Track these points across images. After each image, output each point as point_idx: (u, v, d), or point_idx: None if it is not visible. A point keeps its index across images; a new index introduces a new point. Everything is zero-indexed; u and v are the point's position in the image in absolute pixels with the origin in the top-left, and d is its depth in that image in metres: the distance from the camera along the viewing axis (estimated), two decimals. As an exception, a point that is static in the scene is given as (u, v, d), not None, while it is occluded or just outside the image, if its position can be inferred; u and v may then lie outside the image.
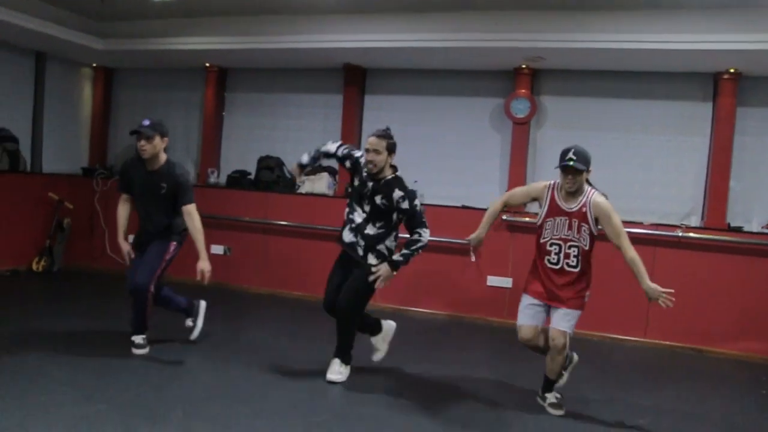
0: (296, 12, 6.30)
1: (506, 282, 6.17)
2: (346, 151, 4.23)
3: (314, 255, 6.62)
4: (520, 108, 6.29)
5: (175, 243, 4.45)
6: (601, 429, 3.67)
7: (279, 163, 7.04)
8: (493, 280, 6.21)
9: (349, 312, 4.08)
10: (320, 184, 6.89)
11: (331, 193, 6.92)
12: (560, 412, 3.83)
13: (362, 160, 4.09)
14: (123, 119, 8.20)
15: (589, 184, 3.85)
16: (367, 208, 4.11)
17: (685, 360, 5.49)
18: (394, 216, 4.07)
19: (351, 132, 7.02)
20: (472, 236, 4.28)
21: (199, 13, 6.58)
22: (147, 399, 3.58)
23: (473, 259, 6.20)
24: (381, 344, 4.39)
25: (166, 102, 7.91)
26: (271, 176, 6.94)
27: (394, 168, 4.13)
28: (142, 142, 4.22)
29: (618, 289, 5.53)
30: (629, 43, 5.43)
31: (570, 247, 3.77)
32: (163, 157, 4.35)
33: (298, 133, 7.35)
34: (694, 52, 5.36)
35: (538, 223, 3.95)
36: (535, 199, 4.04)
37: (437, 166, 6.81)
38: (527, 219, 6.07)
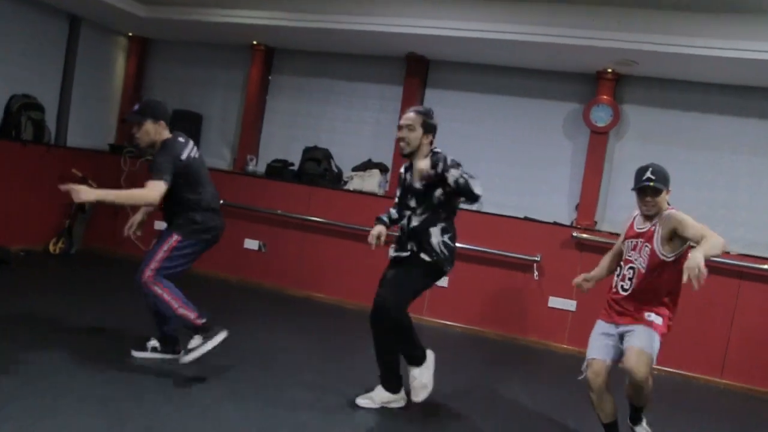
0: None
1: (570, 305, 5.63)
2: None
3: (357, 258, 6.08)
4: (601, 116, 5.72)
5: (178, 237, 3.67)
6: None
7: (327, 156, 6.46)
8: (555, 302, 5.68)
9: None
10: (370, 181, 6.34)
11: (381, 192, 6.36)
12: None
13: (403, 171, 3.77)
14: (157, 94, 7.53)
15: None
16: (412, 201, 3.57)
17: (763, 406, 4.99)
18: (437, 194, 3.46)
19: (407, 127, 6.43)
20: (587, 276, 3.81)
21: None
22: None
23: (536, 276, 5.75)
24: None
25: (204, 80, 7.32)
26: (318, 169, 6.36)
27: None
28: (134, 130, 3.75)
29: (694, 323, 5.07)
30: (734, 51, 4.81)
31: (628, 269, 3.40)
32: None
33: (348, 124, 6.79)
34: None
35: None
36: None
37: (499, 171, 6.25)
38: (599, 238, 5.55)
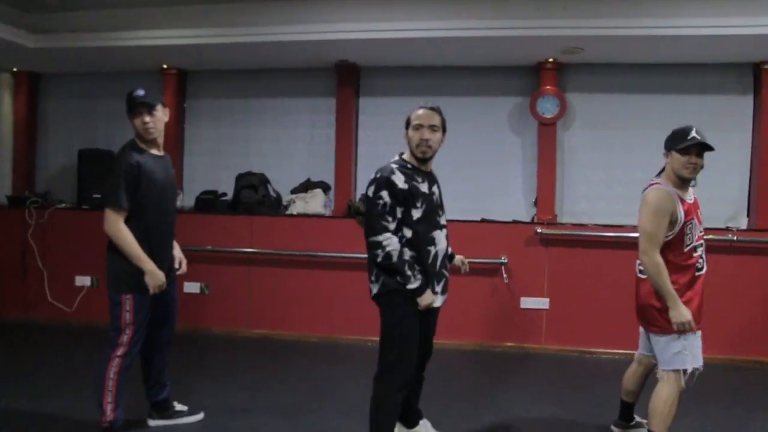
0: (277, -1, 5.33)
1: (543, 303, 5.43)
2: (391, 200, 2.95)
3: (312, 286, 5.64)
4: (548, 107, 5.56)
5: None
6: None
7: (263, 181, 5.92)
8: (527, 302, 5.45)
9: None
10: (314, 202, 5.86)
11: (327, 212, 5.91)
12: None
13: (401, 183, 2.94)
14: (53, 136, 6.77)
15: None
16: (443, 218, 3.20)
17: (746, 374, 4.97)
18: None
19: (347, 140, 6.02)
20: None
21: (158, 2, 5.43)
22: None
23: (506, 279, 5.51)
24: None
25: (111, 114, 6.50)
26: (255, 196, 5.81)
27: None
28: (147, 118, 3.29)
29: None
30: (675, 29, 4.76)
31: (701, 245, 3.12)
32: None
33: (279, 145, 6.28)
34: (733, 37, 4.80)
35: (676, 232, 3.02)
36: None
37: (448, 175, 5.78)
38: (563, 231, 5.40)
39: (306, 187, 6.00)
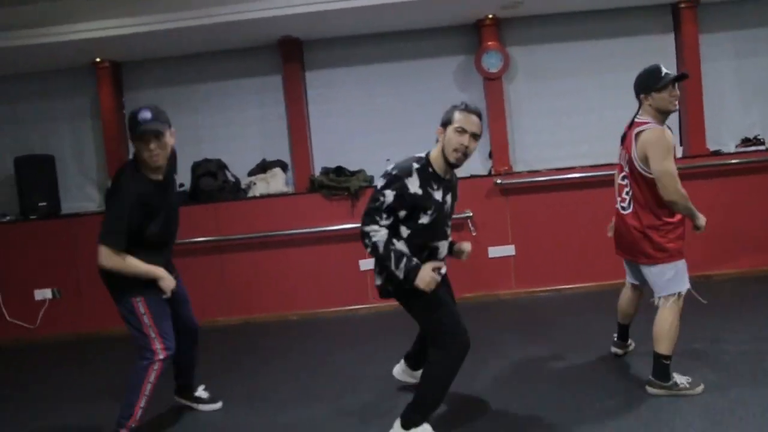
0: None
1: (509, 250, 5.72)
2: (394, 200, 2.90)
3: (286, 264, 5.69)
4: (493, 62, 5.75)
5: None
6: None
7: (221, 166, 5.81)
8: (494, 251, 5.72)
9: None
10: (275, 182, 5.85)
11: (290, 190, 5.93)
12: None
13: (414, 188, 2.89)
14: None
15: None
16: (450, 228, 3.17)
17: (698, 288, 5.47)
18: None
19: (299, 116, 5.99)
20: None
21: (88, -8, 5.17)
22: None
23: (473, 232, 5.74)
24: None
25: (43, 115, 6.22)
26: (215, 183, 5.72)
27: None
28: (153, 146, 2.99)
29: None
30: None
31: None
32: None
33: (231, 129, 6.15)
34: None
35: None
36: None
37: (400, 138, 6.00)
38: (520, 179, 5.68)
39: (263, 167, 5.96)
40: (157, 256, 3.18)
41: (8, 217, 5.80)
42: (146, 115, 2.99)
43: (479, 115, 2.99)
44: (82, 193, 6.27)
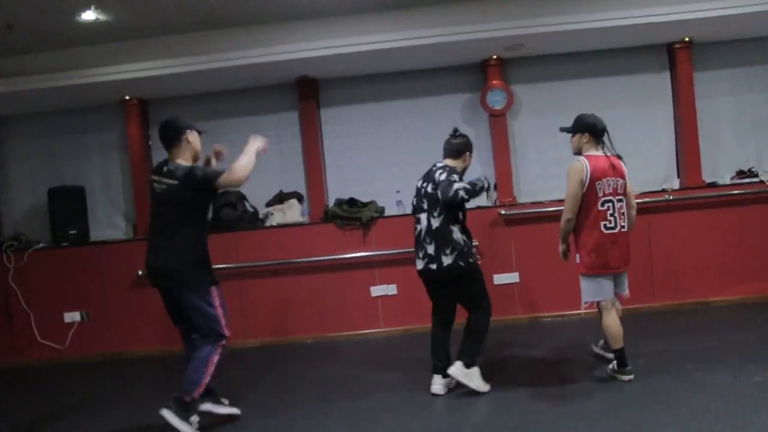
0: (233, 24, 5.59)
1: (513, 278, 5.98)
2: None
3: (304, 290, 5.98)
4: (497, 99, 6.12)
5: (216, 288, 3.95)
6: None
7: (241, 197, 6.18)
8: (500, 279, 5.97)
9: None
10: (291, 212, 6.19)
11: (306, 220, 6.26)
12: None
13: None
14: (15, 178, 6.76)
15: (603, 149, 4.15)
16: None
17: (696, 314, 5.71)
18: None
19: (314, 151, 6.40)
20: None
21: (123, 36, 5.58)
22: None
23: (479, 261, 6.01)
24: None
25: (75, 149, 6.68)
26: (234, 213, 6.07)
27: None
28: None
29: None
30: (595, 22, 5.51)
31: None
32: None
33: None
34: (648, 25, 5.56)
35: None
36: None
37: (410, 173, 6.23)
38: (524, 210, 5.96)
39: (281, 198, 6.31)
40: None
41: (41, 244, 6.17)
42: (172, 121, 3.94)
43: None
44: (110, 222, 6.67)
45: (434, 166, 4.21)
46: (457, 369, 3.99)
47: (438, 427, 3.62)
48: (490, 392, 4.02)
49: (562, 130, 4.34)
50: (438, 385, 4.10)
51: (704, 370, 4.06)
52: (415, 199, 4.23)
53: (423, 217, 4.11)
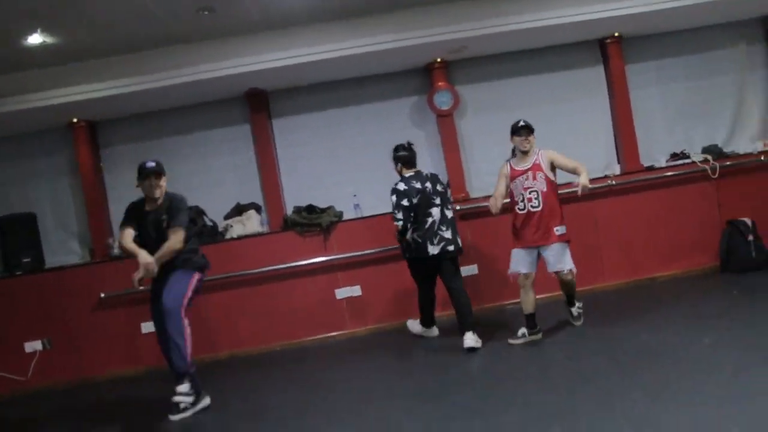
0: (181, 41, 5.65)
1: (472, 269, 6.19)
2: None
3: (267, 299, 6.03)
4: (444, 100, 6.35)
5: (198, 275, 4.46)
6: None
7: (200, 212, 6.18)
8: (463, 270, 6.13)
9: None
10: (250, 223, 6.23)
11: (265, 229, 6.32)
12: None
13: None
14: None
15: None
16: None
17: (645, 290, 6.08)
18: None
19: (269, 162, 6.48)
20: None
21: (69, 59, 5.56)
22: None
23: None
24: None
25: (22, 176, 6.56)
26: (194, 228, 6.00)
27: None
28: (153, 182, 4.40)
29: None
30: (532, 22, 5.85)
31: (531, 192, 4.78)
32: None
33: (205, 176, 6.56)
34: (580, 23, 5.92)
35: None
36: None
37: (365, 177, 6.55)
38: (477, 204, 6.18)
39: (239, 210, 6.35)
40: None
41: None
42: (150, 163, 4.42)
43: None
44: (65, 247, 6.56)
45: (420, 171, 5.17)
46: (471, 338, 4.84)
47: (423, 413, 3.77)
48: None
49: (527, 124, 4.91)
50: (470, 339, 4.82)
51: (658, 339, 4.36)
52: (416, 199, 4.99)
53: (436, 210, 5.02)
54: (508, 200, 4.98)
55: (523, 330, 4.85)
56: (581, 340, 4.73)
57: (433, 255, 4.96)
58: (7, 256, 6.10)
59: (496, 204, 4.87)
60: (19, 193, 6.53)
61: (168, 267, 4.26)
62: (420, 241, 4.99)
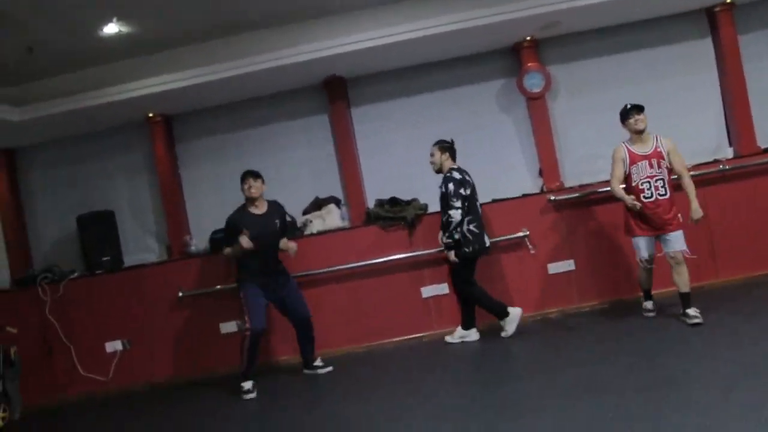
0: (257, 27, 5.43)
1: (569, 265, 5.67)
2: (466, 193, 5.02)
3: (350, 299, 5.68)
4: (535, 82, 5.90)
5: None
6: None
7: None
8: (554, 267, 5.67)
9: None
10: (331, 218, 5.94)
11: (346, 224, 6.01)
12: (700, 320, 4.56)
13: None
14: (41, 209, 6.57)
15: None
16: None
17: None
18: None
19: (349, 152, 6.19)
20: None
21: (144, 50, 5.43)
22: None
23: (532, 250, 5.74)
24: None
25: (101, 173, 6.49)
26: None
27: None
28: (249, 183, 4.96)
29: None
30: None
31: (657, 180, 4.66)
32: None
33: (282, 170, 6.30)
34: None
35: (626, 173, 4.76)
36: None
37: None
38: (572, 194, 5.68)
39: (318, 205, 6.07)
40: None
41: (76, 274, 5.93)
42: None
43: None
44: (143, 245, 6.46)
45: (460, 167, 5.17)
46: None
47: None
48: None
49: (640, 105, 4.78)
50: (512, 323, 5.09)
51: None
52: (470, 190, 5.08)
53: (479, 206, 5.18)
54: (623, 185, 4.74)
55: (694, 310, 4.64)
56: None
57: (488, 247, 5.16)
58: (87, 255, 5.99)
59: (618, 189, 4.77)
60: (97, 191, 6.47)
61: (278, 267, 4.99)
62: (477, 231, 5.04)
